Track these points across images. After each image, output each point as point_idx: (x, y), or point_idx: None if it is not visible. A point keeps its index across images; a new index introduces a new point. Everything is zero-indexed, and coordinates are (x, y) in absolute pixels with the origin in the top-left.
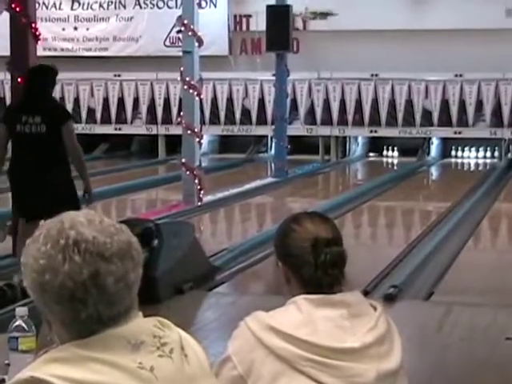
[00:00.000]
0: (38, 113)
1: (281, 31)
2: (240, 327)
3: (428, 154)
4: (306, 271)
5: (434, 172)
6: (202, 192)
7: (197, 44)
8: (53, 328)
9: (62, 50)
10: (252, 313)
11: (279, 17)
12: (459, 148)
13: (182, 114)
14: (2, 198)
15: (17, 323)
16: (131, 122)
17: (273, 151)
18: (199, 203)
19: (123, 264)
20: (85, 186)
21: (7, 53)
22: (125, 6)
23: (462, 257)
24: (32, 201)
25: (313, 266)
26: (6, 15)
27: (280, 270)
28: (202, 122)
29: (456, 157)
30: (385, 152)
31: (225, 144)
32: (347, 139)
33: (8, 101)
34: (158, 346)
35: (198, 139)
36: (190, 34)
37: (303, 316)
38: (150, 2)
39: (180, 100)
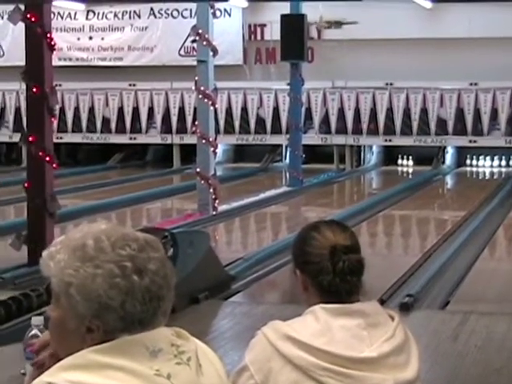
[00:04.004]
0: None
1: (295, 40)
2: (257, 336)
3: (443, 162)
4: (325, 278)
5: (449, 181)
6: (217, 201)
7: (211, 53)
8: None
9: (77, 59)
10: (269, 322)
11: (294, 26)
12: (474, 157)
13: (196, 123)
14: (17, 207)
15: (32, 332)
16: (146, 132)
17: (287, 160)
18: (214, 212)
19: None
20: None
21: (23, 63)
22: (139, 16)
23: (477, 266)
24: None
25: (331, 273)
26: (21, 25)
27: (298, 278)
28: (217, 132)
29: (471, 165)
30: (400, 161)
31: (239, 153)
32: (362, 148)
33: (23, 110)
34: (176, 354)
35: (212, 148)
36: (204, 43)
37: (320, 325)
38: (165, 12)
39: (195, 109)
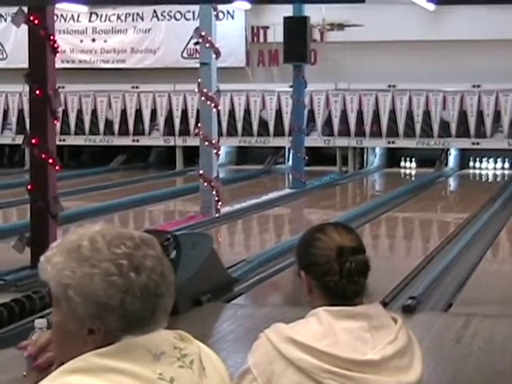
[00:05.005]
0: None
1: (298, 43)
2: (260, 339)
3: (446, 164)
4: (332, 279)
5: (452, 183)
6: (219, 203)
7: (214, 56)
8: (94, 338)
9: (80, 61)
10: (272, 324)
11: (296, 28)
12: (477, 159)
13: (199, 125)
14: (20, 209)
15: (36, 335)
16: (149, 134)
17: (290, 162)
18: (217, 214)
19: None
20: None
21: (26, 65)
22: (142, 18)
23: (480, 268)
24: None
25: (338, 273)
26: (24, 28)
27: (302, 280)
28: (220, 134)
29: (474, 168)
30: (402, 163)
31: (242, 155)
32: (365, 150)
33: (26, 113)
34: (179, 357)
35: (215, 150)
36: (207, 45)
37: (323, 328)
38: (168, 14)
39: (197, 111)
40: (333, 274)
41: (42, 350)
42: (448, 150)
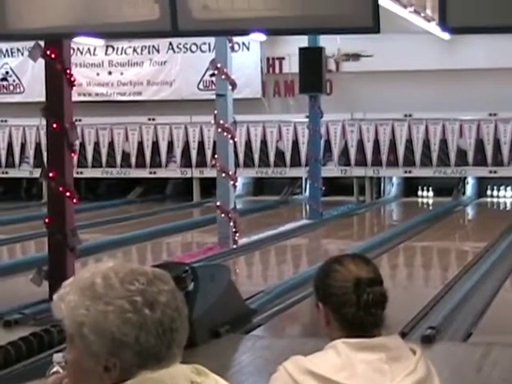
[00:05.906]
0: None
1: (314, 73)
2: (278, 371)
3: (463, 193)
4: (349, 311)
5: (470, 212)
6: (237, 234)
7: (230, 87)
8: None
9: (97, 94)
10: (290, 357)
11: (312, 59)
12: (495, 187)
13: (216, 156)
14: (38, 242)
15: (54, 369)
16: (166, 166)
17: (307, 193)
18: (234, 246)
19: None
20: None
21: (43, 98)
22: (158, 51)
23: (499, 297)
24: None
25: (355, 305)
26: (41, 62)
27: (320, 311)
28: (236, 165)
29: (492, 196)
30: (420, 192)
31: (259, 186)
32: (382, 180)
33: (44, 146)
34: None
35: (232, 182)
36: (223, 77)
37: (342, 360)
38: (184, 46)
39: (214, 143)
40: (349, 306)
41: None
42: (465, 178)
